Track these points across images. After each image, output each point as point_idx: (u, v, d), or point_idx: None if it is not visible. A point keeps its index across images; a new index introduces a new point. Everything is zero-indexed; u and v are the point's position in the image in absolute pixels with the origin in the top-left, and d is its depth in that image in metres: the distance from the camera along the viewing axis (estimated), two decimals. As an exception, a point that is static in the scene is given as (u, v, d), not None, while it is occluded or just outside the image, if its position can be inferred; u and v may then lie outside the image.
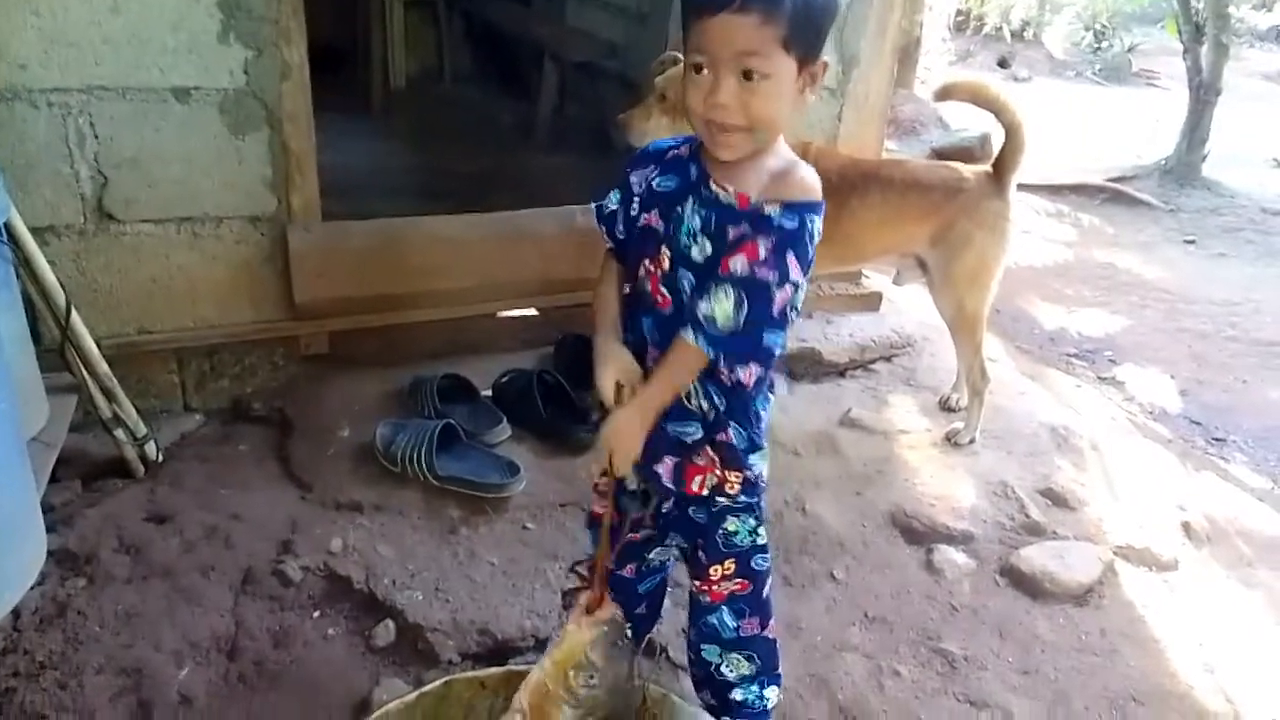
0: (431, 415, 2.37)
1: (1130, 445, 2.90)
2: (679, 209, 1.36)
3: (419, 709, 1.56)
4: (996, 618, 2.13)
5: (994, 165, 2.54)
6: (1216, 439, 3.25)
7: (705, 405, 1.40)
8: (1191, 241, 5.37)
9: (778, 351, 1.32)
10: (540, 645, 1.88)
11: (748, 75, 1.23)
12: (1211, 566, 2.39)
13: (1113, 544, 2.36)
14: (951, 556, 2.28)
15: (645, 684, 1.52)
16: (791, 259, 1.26)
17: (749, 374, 1.35)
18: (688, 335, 1.29)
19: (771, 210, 1.27)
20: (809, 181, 1.31)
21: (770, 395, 1.47)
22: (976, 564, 2.27)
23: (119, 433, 2.13)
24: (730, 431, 1.41)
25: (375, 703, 1.65)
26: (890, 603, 2.15)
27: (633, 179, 1.46)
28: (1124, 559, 2.33)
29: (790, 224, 1.27)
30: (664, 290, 1.38)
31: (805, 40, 1.25)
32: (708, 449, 1.43)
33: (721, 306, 1.26)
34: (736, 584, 1.55)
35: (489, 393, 2.55)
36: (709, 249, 1.33)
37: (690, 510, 1.51)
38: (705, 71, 1.25)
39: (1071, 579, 2.21)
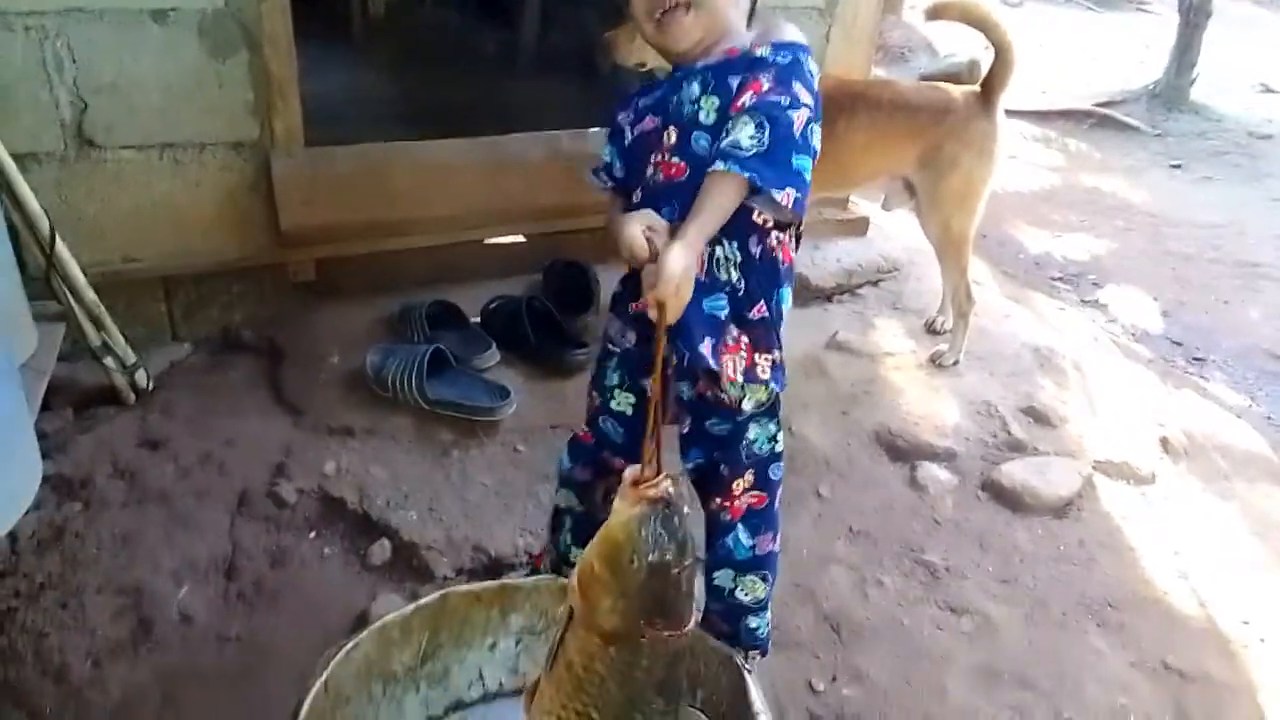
0: (421, 341, 2.38)
1: (1111, 365, 2.94)
2: (674, 97, 1.39)
3: (416, 621, 1.59)
4: (977, 531, 2.19)
5: (982, 86, 2.53)
6: (1197, 358, 3.30)
7: (735, 275, 1.39)
8: (1178, 166, 5.38)
9: (807, 176, 1.31)
10: (532, 560, 1.92)
11: None
12: (1188, 480, 2.45)
13: (1092, 459, 2.41)
14: (935, 473, 2.32)
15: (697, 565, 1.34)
16: (798, 86, 1.29)
17: (787, 196, 1.29)
18: (719, 165, 1.27)
19: (763, 51, 1.31)
20: (790, 28, 1.34)
21: (790, 288, 1.46)
22: (959, 480, 2.32)
23: (108, 361, 2.14)
24: (761, 307, 1.41)
25: (373, 617, 1.69)
26: (875, 518, 2.20)
27: (619, 116, 1.48)
28: (1103, 473, 2.38)
29: (785, 59, 1.30)
30: (676, 160, 1.38)
31: None
32: (734, 328, 1.41)
33: (744, 131, 1.27)
34: (754, 497, 1.57)
35: (477, 319, 2.56)
36: (716, 104, 1.34)
37: (709, 424, 1.52)
38: None
39: (1051, 493, 2.27)
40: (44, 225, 1.96)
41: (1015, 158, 5.02)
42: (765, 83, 1.28)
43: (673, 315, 1.29)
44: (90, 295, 2.07)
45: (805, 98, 1.30)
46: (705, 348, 1.38)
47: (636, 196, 1.44)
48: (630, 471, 1.26)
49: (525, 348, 2.45)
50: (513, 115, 2.86)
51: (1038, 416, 2.54)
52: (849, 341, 2.80)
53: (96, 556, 1.79)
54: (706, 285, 1.38)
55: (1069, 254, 4.08)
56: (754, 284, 1.41)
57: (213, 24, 2.15)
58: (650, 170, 1.42)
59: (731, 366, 1.41)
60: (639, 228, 1.31)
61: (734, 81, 1.32)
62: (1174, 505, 2.34)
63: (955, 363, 2.70)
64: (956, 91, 2.55)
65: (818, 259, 3.12)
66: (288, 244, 2.45)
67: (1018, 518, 2.23)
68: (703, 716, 1.53)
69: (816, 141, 1.33)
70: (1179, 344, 3.40)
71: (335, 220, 2.47)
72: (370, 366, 2.26)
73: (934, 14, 2.67)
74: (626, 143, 1.48)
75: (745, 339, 1.43)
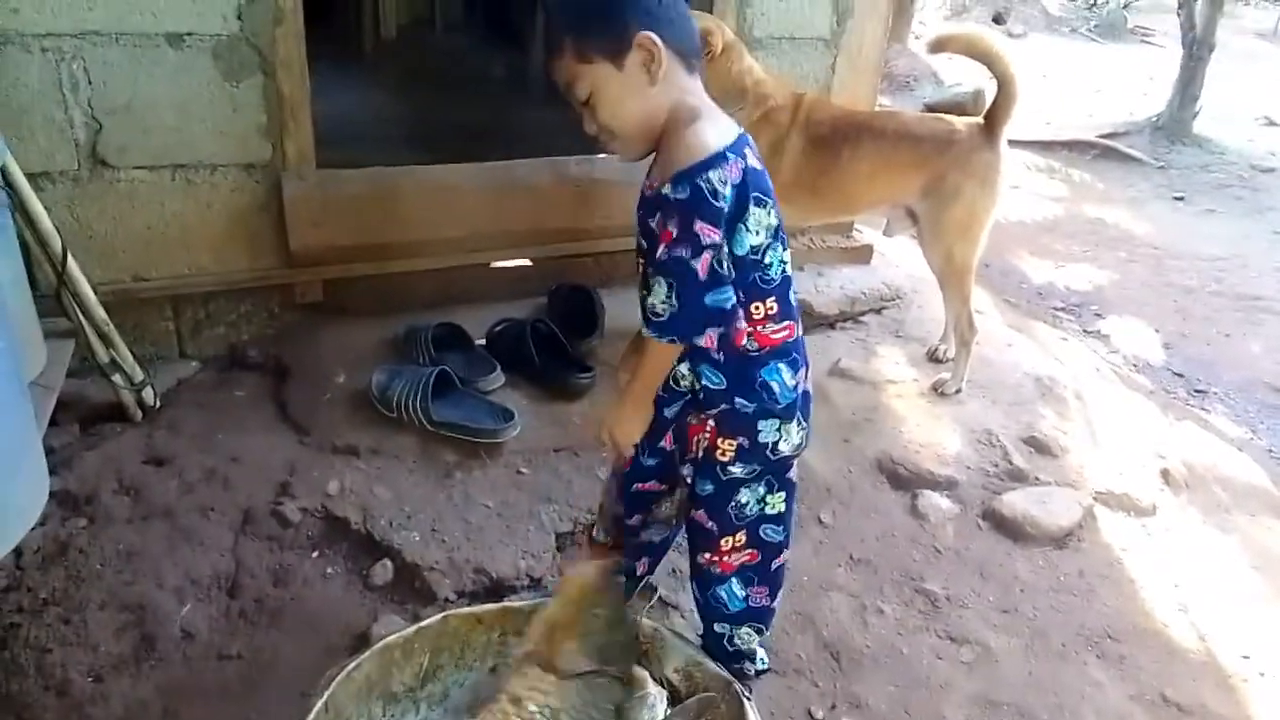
0: (426, 363, 2.40)
1: (1113, 395, 2.95)
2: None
3: (418, 642, 1.60)
4: (978, 560, 2.19)
5: (986, 117, 2.55)
6: (1198, 390, 3.31)
7: (697, 385, 1.47)
8: (1181, 198, 5.41)
9: (728, 307, 1.35)
10: (535, 584, 1.93)
11: (585, 102, 1.37)
12: (1189, 512, 2.46)
13: (1093, 490, 2.42)
14: (936, 501, 2.33)
15: (640, 617, 1.58)
16: (699, 225, 1.29)
17: (709, 340, 1.37)
18: (645, 331, 1.38)
19: (665, 189, 1.32)
20: (691, 142, 1.32)
21: (785, 364, 1.47)
22: (960, 509, 2.33)
23: (116, 378, 2.15)
24: (728, 402, 1.46)
25: (374, 637, 1.69)
26: (875, 545, 2.21)
27: None
28: (1104, 504, 2.39)
29: (682, 195, 1.30)
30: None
31: (595, 43, 1.33)
32: (698, 413, 1.51)
33: (657, 295, 1.33)
34: (747, 555, 1.59)
35: (483, 341, 2.58)
36: (654, 244, 1.38)
37: (699, 485, 1.55)
38: None
39: (1052, 523, 2.27)
40: (56, 243, 1.98)
41: (1018, 188, 5.05)
42: (672, 229, 1.30)
43: (624, 454, 1.55)
44: (100, 313, 2.09)
45: (709, 235, 1.29)
46: (666, 441, 1.57)
47: None
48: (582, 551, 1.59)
49: (530, 370, 2.46)
50: (521, 139, 2.90)
51: (1039, 446, 2.55)
52: (851, 369, 2.81)
53: (100, 572, 1.79)
54: (665, 399, 1.51)
55: (1071, 284, 4.10)
56: (727, 387, 1.45)
57: (227, 48, 2.19)
58: (649, 193, 1.46)
59: (695, 443, 1.54)
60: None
61: (653, 224, 1.39)
62: (1174, 537, 2.35)
63: (957, 391, 2.72)
64: (960, 122, 2.58)
65: (821, 285, 3.14)
66: (296, 264, 2.48)
67: (1018, 547, 2.24)
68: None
69: (725, 266, 1.34)
70: (1180, 375, 3.42)
71: (344, 242, 2.50)
72: (376, 386, 2.27)
73: (938, 46, 2.71)
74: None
75: (710, 423, 1.50)
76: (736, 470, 1.50)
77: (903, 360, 2.92)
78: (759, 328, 1.43)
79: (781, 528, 1.59)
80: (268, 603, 1.82)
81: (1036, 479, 2.43)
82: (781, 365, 1.46)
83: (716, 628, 1.65)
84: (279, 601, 1.83)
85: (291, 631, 1.78)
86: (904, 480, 2.41)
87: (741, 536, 1.56)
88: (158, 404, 2.25)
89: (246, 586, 1.85)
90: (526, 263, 2.89)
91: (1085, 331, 3.66)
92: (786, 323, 1.46)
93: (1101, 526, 2.33)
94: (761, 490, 1.54)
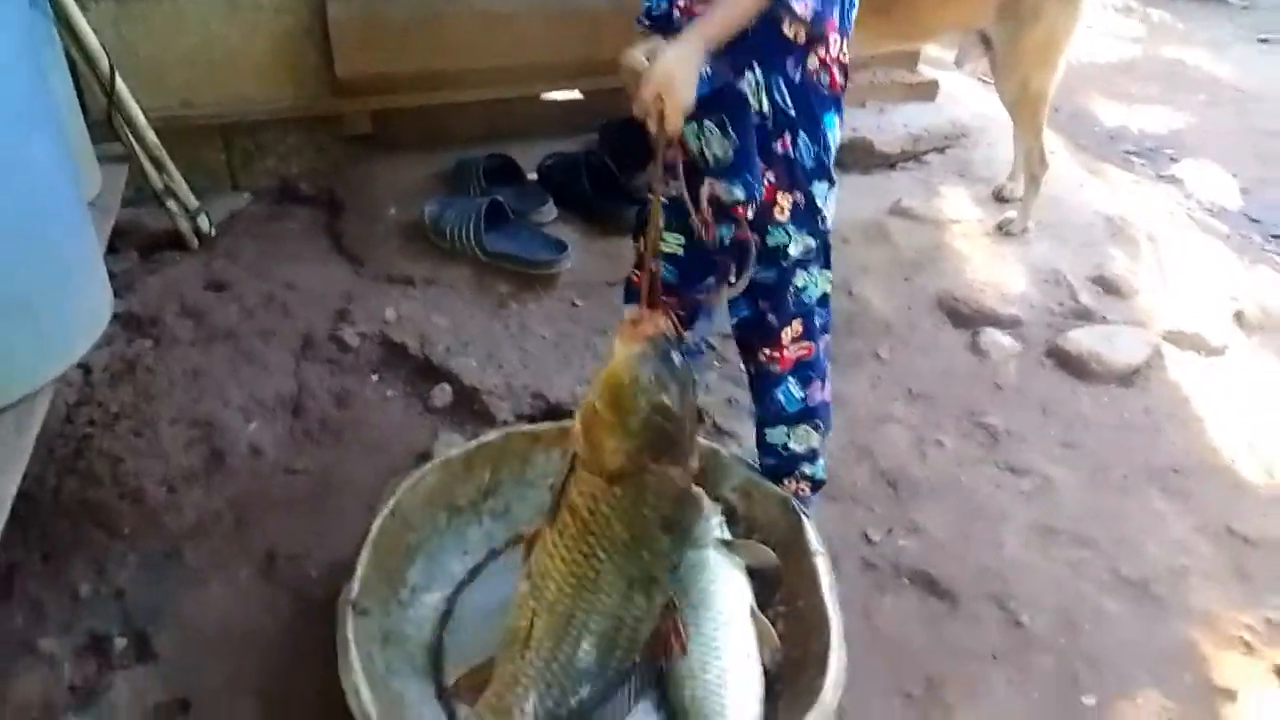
0: (478, 195, 2.35)
1: (1186, 239, 2.83)
2: None
3: (479, 457, 1.62)
4: (1040, 396, 2.15)
5: (1071, -70, 2.36)
6: (1275, 236, 3.17)
7: (767, 104, 1.35)
8: (1266, 40, 5.07)
9: None
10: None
11: None
12: (1261, 354, 2.38)
13: (1162, 329, 2.35)
14: (998, 339, 2.28)
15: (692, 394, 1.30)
16: None
17: (804, 6, 1.27)
18: None
19: None
20: None
21: (838, 118, 1.40)
22: (1023, 346, 2.28)
23: (171, 204, 2.15)
24: (790, 139, 1.37)
25: (436, 454, 1.71)
26: (934, 381, 2.18)
27: None
28: (1173, 344, 2.32)
29: None
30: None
31: None
32: (761, 161, 1.37)
33: None
34: (803, 349, 1.55)
35: (534, 175, 2.52)
36: None
37: (759, 275, 1.48)
38: None
39: (1118, 360, 2.22)
40: (104, 63, 1.94)
41: (1092, 27, 4.75)
42: None
43: (673, 120, 1.24)
44: (151, 137, 2.06)
45: None
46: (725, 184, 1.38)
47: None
48: (629, 311, 1.27)
49: (582, 204, 2.41)
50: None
51: (1108, 286, 2.47)
52: (913, 208, 2.72)
53: (168, 390, 1.82)
54: (731, 119, 1.34)
55: (1146, 128, 3.90)
56: (784, 115, 1.35)
57: None
58: (676, 14, 1.35)
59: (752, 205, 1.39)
60: (639, 51, 1.27)
61: None
62: (1245, 377, 2.28)
63: (1024, 230, 2.62)
64: (1043, -64, 2.39)
65: (883, 124, 3.01)
66: (343, 93, 2.41)
67: (1082, 385, 2.19)
68: (764, 548, 1.55)
69: None
70: (1257, 221, 3.26)
71: (390, 69, 2.42)
72: (429, 216, 2.24)
73: None
74: None
75: (769, 174, 1.39)
76: (794, 251, 1.44)
77: (967, 200, 2.81)
78: (834, 67, 1.36)
79: (826, 311, 1.56)
80: (330, 423, 1.85)
81: (1104, 318, 2.37)
82: (836, 118, 1.40)
83: (774, 434, 1.62)
84: (341, 422, 1.85)
85: (355, 450, 1.81)
86: (965, 318, 2.35)
87: (799, 325, 1.52)
88: (213, 233, 2.25)
89: (309, 407, 1.87)
90: (578, 95, 2.79)
91: (1159, 176, 3.49)
92: (843, 75, 1.38)
93: (1169, 365, 2.26)
94: (814, 271, 1.50)
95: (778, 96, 1.35)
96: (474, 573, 1.59)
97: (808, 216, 1.42)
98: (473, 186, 2.40)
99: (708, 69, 1.28)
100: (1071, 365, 2.22)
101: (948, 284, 2.44)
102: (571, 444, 1.29)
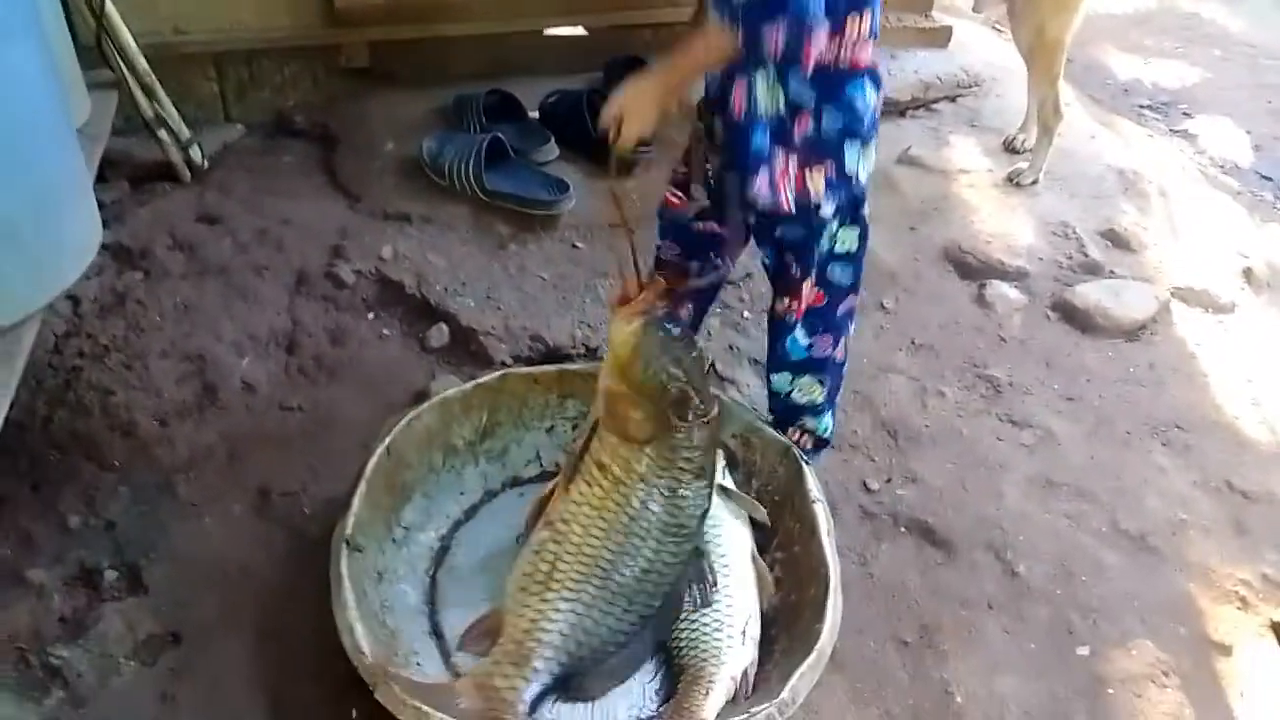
0: (478, 132, 2.29)
1: (1198, 194, 2.79)
2: None
3: (476, 398, 1.60)
4: (1045, 349, 2.13)
5: None
6: (1288, 194, 3.12)
7: (783, 102, 1.33)
8: (1284, -5, 4.96)
9: (811, 6, 1.19)
10: (591, 353, 1.90)
11: None
12: (1269, 311, 2.35)
13: (1171, 285, 2.32)
14: (1004, 291, 2.25)
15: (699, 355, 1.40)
16: None
17: (775, 35, 1.21)
18: (717, 20, 1.26)
19: None
20: None
21: (870, 82, 1.36)
22: (1029, 299, 2.25)
23: (162, 134, 2.09)
24: (812, 119, 1.34)
25: (432, 394, 1.68)
26: (938, 332, 2.15)
27: None
28: (1181, 300, 2.29)
29: None
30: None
31: None
32: (780, 153, 1.36)
33: None
34: (814, 296, 1.52)
35: (536, 113, 2.46)
36: None
37: (787, 232, 1.45)
38: None
39: (1125, 315, 2.19)
40: (92, -17, 1.87)
41: (1108, -22, 4.65)
42: None
43: (624, 141, 1.41)
44: (142, 64, 2.01)
45: None
46: (761, 183, 1.37)
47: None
48: (611, 295, 1.37)
49: (585, 144, 2.35)
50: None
51: (1117, 240, 2.43)
52: (922, 157, 2.67)
53: (159, 324, 1.79)
54: (745, 123, 1.35)
55: (1160, 81, 3.83)
56: (801, 101, 1.32)
57: None
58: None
59: (786, 195, 1.38)
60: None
61: None
62: (1252, 335, 2.25)
63: (1034, 182, 2.57)
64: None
65: (894, 70, 2.94)
66: (339, 23, 2.35)
67: (1087, 338, 2.17)
68: (756, 503, 1.54)
69: None
70: (1269, 179, 3.21)
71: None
72: (427, 152, 2.19)
73: None
74: None
75: (793, 160, 1.37)
76: (827, 212, 1.41)
77: (977, 150, 2.76)
78: (853, 48, 1.31)
79: (851, 269, 1.52)
80: (325, 360, 1.82)
81: (1112, 272, 2.33)
82: (866, 83, 1.36)
83: (778, 380, 1.60)
84: (337, 359, 1.83)
85: (350, 387, 1.78)
86: (972, 270, 2.32)
87: (818, 276, 1.50)
88: (206, 165, 2.20)
89: (304, 344, 1.84)
90: (581, 32, 2.72)
91: (1172, 130, 3.43)
92: (873, 40, 1.34)
93: (1176, 321, 2.24)
94: (835, 225, 1.46)
95: (796, 92, 1.32)
96: (470, 513, 1.58)
97: (841, 183, 1.39)
98: (472, 123, 2.34)
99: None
100: (1077, 319, 2.20)
101: (955, 235, 2.40)
102: (593, 412, 1.38)
